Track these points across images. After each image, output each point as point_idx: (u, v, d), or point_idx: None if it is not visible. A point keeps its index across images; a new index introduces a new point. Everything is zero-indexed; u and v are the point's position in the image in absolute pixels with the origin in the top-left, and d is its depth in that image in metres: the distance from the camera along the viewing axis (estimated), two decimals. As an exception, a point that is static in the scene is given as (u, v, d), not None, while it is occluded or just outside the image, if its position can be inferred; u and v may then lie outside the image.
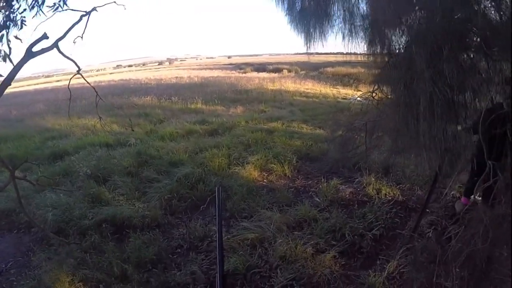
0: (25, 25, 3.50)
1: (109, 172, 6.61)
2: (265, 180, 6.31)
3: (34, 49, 3.15)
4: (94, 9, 3.36)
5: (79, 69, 3.51)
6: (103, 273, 3.82)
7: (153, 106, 14.73)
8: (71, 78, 3.60)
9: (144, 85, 24.30)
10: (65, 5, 3.55)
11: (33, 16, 3.53)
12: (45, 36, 2.98)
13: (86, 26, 3.33)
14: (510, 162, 2.23)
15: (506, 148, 2.29)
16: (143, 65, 72.13)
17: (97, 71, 58.11)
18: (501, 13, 2.33)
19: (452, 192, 5.11)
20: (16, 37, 3.35)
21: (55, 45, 3.08)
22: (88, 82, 3.98)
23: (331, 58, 27.99)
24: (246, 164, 6.80)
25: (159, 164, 6.95)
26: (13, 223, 5.21)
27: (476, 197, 4.29)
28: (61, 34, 3.22)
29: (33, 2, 3.48)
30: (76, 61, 3.54)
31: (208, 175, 6.29)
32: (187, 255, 4.22)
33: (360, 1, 3.92)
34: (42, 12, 3.52)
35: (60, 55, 3.37)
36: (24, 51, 3.19)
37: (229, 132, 9.69)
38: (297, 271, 3.67)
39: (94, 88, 4.07)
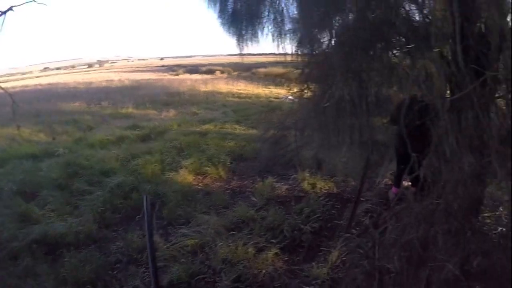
0: None
1: (37, 187, 6.18)
2: (200, 184, 6.25)
3: None
4: (10, 8, 3.15)
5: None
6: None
7: (82, 112, 14.19)
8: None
9: (73, 89, 23.39)
10: None
11: None
12: None
13: (1, 26, 3.10)
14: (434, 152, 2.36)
15: (427, 139, 2.42)
16: (72, 67, 68.82)
17: (23, 74, 54.72)
18: (423, 15, 2.48)
19: (384, 180, 5.38)
20: None
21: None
22: (1, 87, 3.71)
23: (264, 59, 28.44)
24: (180, 169, 6.70)
25: (90, 174, 6.63)
26: None
27: (407, 183, 4.56)
28: None
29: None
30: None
31: (142, 183, 6.11)
32: (127, 269, 4.04)
33: (289, 4, 4.03)
34: None
35: None
36: None
37: (162, 137, 9.54)
38: (241, 272, 3.66)
39: (10, 95, 3.80)
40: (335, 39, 2.95)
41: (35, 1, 3.47)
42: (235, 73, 30.97)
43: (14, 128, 10.13)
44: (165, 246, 4.19)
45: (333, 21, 2.95)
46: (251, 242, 4.11)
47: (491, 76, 2.09)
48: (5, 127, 11.19)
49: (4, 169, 7.34)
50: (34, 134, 10.44)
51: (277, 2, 4.03)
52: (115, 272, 4.03)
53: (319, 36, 3.11)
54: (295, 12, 3.91)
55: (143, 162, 7.07)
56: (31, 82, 35.10)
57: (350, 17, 2.86)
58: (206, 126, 10.52)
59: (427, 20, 2.42)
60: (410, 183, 4.57)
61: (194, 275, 3.71)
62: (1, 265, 4.13)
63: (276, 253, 3.95)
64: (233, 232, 4.44)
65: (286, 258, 3.96)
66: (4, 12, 3.12)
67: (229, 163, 7.04)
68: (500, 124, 2.21)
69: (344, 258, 3.70)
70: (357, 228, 4.22)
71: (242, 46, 4.44)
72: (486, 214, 3.42)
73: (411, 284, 2.48)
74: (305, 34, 3.34)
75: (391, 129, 3.73)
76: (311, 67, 3.33)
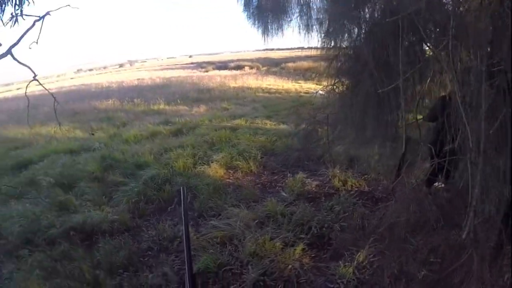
0: None
1: (75, 179, 6.49)
2: (231, 178, 6.31)
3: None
4: (47, 13, 3.26)
5: (35, 75, 3.41)
6: (75, 281, 3.73)
7: (116, 110, 14.54)
8: (27, 85, 3.48)
9: (106, 89, 23.87)
10: (21, 17, 3.48)
11: None
12: None
13: (40, 31, 3.23)
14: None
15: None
16: (104, 68, 70.39)
17: (57, 76, 56.22)
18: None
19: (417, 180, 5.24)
20: None
21: (9, 52, 2.97)
22: (45, 88, 3.86)
23: (292, 54, 28.14)
24: (212, 162, 6.79)
25: (125, 167, 6.86)
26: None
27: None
28: (15, 41, 3.11)
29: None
30: (31, 67, 3.44)
31: (174, 175, 6.26)
32: (157, 256, 4.18)
33: None
34: (2, 22, 3.45)
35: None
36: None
37: (193, 132, 9.70)
38: (268, 266, 3.69)
39: (52, 94, 3.95)
40: (364, 30, 2.92)
41: (69, 6, 3.59)
42: (264, 68, 30.83)
43: (52, 126, 10.61)
44: (195, 237, 4.28)
45: (362, 12, 2.91)
46: (279, 237, 4.14)
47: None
48: (44, 125, 11.79)
49: (44, 163, 7.72)
50: (72, 131, 10.87)
51: None
52: (146, 259, 4.19)
53: (347, 28, 3.07)
54: (322, 4, 3.88)
55: (176, 155, 7.23)
56: (65, 83, 35.94)
57: (379, 7, 2.81)
58: (237, 121, 10.60)
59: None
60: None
61: (222, 265, 3.78)
62: (39, 249, 4.37)
63: (303, 249, 3.95)
64: (262, 226, 4.47)
65: (313, 255, 3.94)
66: (42, 17, 3.23)
67: (260, 158, 7.08)
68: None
69: (372, 259, 3.66)
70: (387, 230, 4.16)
71: (268, 39, 4.46)
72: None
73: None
74: (333, 25, 3.30)
75: (428, 126, 3.65)
76: (339, 60, 3.29)
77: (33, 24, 3.16)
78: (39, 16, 3.21)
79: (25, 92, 3.52)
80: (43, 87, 3.82)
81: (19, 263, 4.15)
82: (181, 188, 1.69)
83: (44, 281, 3.71)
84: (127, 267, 3.97)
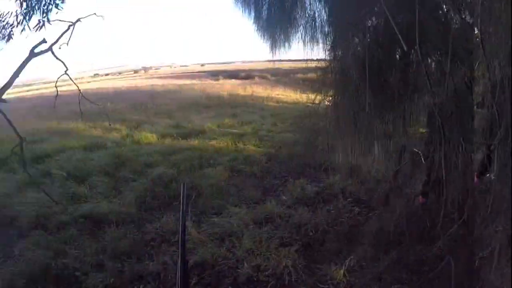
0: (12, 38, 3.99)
1: (87, 173, 6.81)
2: (235, 180, 6.51)
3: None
4: (78, 20, 3.60)
5: (67, 69, 3.71)
6: (80, 262, 3.97)
7: (129, 112, 14.82)
8: (59, 77, 3.79)
9: (121, 93, 24.08)
10: (48, 23, 3.92)
11: (21, 31, 3.96)
12: (43, 41, 3.21)
13: (71, 34, 3.54)
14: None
15: None
16: (119, 73, 70.43)
17: (75, 79, 56.57)
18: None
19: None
20: None
21: (50, 48, 3.29)
22: (74, 83, 4.21)
23: (301, 65, 28.05)
24: (217, 165, 7.04)
25: (135, 165, 7.17)
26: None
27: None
28: (54, 40, 3.43)
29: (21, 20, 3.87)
30: (64, 63, 3.75)
31: (181, 175, 6.52)
32: (159, 247, 4.38)
33: (321, 9, 4.18)
34: (29, 28, 3.93)
35: (39, 62, 3.65)
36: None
37: (201, 136, 9.94)
38: (262, 262, 3.84)
39: (79, 90, 4.28)
40: (364, 42, 3.06)
41: (95, 14, 3.93)
42: (274, 78, 30.85)
43: (68, 124, 11.01)
44: (196, 232, 4.47)
45: (361, 27, 3.05)
46: (275, 237, 4.33)
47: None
48: (61, 123, 12.15)
49: (60, 157, 8.06)
50: (87, 130, 11.22)
51: (309, 7, 4.20)
52: (148, 248, 4.41)
53: (347, 42, 3.22)
54: (327, 17, 4.04)
55: (183, 157, 7.53)
56: (83, 86, 36.27)
57: (378, 22, 2.96)
58: (244, 128, 10.87)
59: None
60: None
61: (218, 259, 3.96)
62: (49, 232, 4.70)
63: (297, 250, 4.10)
64: (260, 226, 4.64)
65: (306, 256, 4.08)
66: (74, 24, 3.55)
67: (264, 163, 7.30)
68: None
69: (362, 264, 3.78)
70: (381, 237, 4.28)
71: (276, 51, 4.66)
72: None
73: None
74: (335, 37, 3.47)
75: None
76: (337, 73, 3.44)
77: (68, 28, 3.50)
78: (72, 22, 3.53)
79: (55, 84, 3.83)
80: (72, 81, 4.16)
81: (30, 244, 4.39)
82: (182, 183, 1.88)
83: (51, 261, 3.95)
84: (130, 255, 4.18)
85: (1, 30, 3.98)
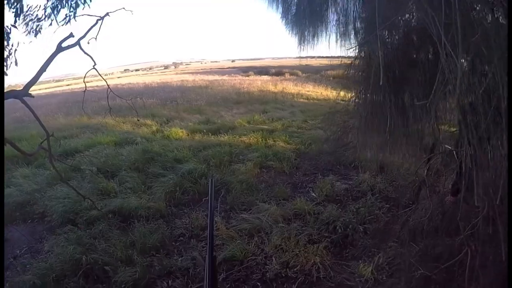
0: (40, 33, 4.18)
1: (117, 168, 6.94)
2: (264, 176, 6.53)
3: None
4: (107, 14, 3.65)
5: (95, 64, 3.78)
6: (110, 257, 4.08)
7: (159, 108, 15.04)
8: (87, 72, 3.86)
9: (151, 88, 24.47)
10: (74, 18, 4.14)
11: (49, 25, 4.15)
12: (71, 35, 3.28)
13: (99, 29, 3.61)
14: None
15: None
16: (150, 69, 71.61)
17: (105, 75, 57.90)
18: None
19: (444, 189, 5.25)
20: None
21: (78, 43, 3.37)
22: (103, 78, 4.30)
23: (332, 62, 27.64)
24: (247, 161, 7.08)
25: (165, 161, 7.23)
26: (28, 214, 5.52)
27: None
28: (82, 34, 3.51)
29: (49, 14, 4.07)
30: (93, 57, 3.84)
31: (211, 171, 6.60)
32: (188, 242, 4.47)
33: (353, 4, 4.12)
34: (57, 22, 4.13)
35: (69, 58, 3.76)
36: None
37: (231, 132, 9.99)
38: (290, 259, 3.87)
39: (108, 86, 4.36)
40: (395, 39, 3.02)
41: (124, 8, 4.00)
42: (304, 75, 30.65)
43: (98, 119, 11.30)
44: (225, 228, 4.53)
45: (393, 23, 3.00)
46: (304, 233, 4.33)
47: None
48: (91, 119, 12.46)
49: (90, 152, 8.25)
50: (117, 125, 11.43)
51: (341, 2, 4.15)
52: (177, 244, 4.51)
53: (378, 38, 3.17)
54: (358, 13, 3.97)
55: (213, 153, 7.57)
56: (113, 82, 37.09)
57: (410, 19, 2.91)
58: (274, 124, 10.85)
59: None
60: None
61: (247, 255, 4.01)
62: (80, 227, 4.83)
63: (326, 247, 4.11)
64: (289, 222, 4.66)
65: (335, 253, 4.09)
66: (102, 18, 3.62)
67: (293, 160, 7.28)
68: None
69: (391, 261, 3.75)
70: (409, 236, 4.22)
71: (304, 47, 4.62)
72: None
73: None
74: (366, 35, 3.43)
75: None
76: (366, 70, 3.41)
77: (96, 22, 3.55)
78: (100, 16, 3.61)
79: (84, 78, 3.91)
80: (101, 76, 4.24)
81: (60, 239, 4.54)
82: (210, 178, 1.91)
83: (81, 255, 4.06)
84: (158, 250, 4.28)
85: (29, 24, 4.13)
